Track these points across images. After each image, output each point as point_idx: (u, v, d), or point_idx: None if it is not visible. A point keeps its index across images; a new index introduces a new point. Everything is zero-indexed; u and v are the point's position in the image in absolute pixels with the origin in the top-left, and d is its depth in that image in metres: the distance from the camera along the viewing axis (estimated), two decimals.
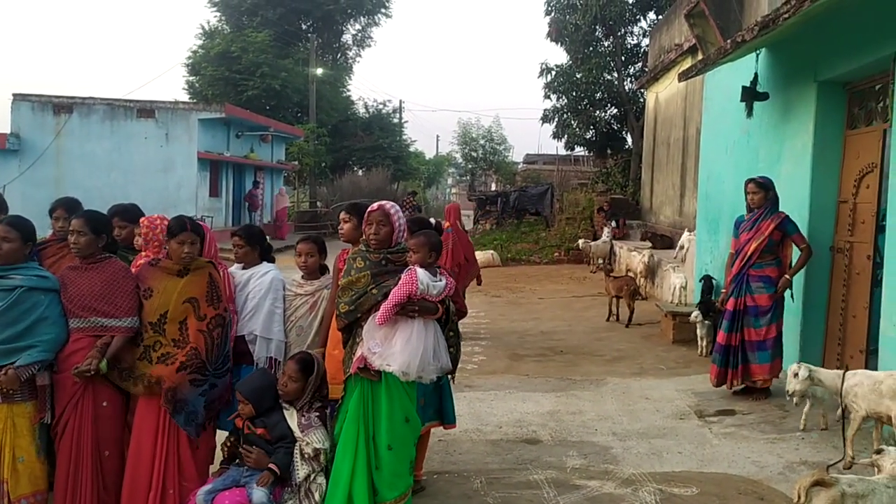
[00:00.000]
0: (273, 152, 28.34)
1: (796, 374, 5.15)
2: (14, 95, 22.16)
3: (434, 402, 4.62)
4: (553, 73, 23.72)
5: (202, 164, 22.54)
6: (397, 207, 4.17)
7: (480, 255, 18.63)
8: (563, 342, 9.50)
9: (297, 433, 3.96)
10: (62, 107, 22.16)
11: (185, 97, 32.91)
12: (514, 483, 4.84)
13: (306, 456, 3.95)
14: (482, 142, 42.12)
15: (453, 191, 65.92)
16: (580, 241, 17.79)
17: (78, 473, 3.96)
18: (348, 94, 39.66)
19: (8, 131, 21.94)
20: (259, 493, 3.79)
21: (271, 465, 3.87)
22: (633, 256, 13.96)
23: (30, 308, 3.91)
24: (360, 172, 38.01)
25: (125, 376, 4.05)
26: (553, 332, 10.19)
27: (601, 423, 6.07)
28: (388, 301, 3.86)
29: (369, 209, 4.13)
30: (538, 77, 24.07)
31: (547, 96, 24.12)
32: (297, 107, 34.54)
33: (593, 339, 9.65)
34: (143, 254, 4.52)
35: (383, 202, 4.18)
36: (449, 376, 4.52)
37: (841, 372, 5.04)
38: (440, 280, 3.99)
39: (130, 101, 22.76)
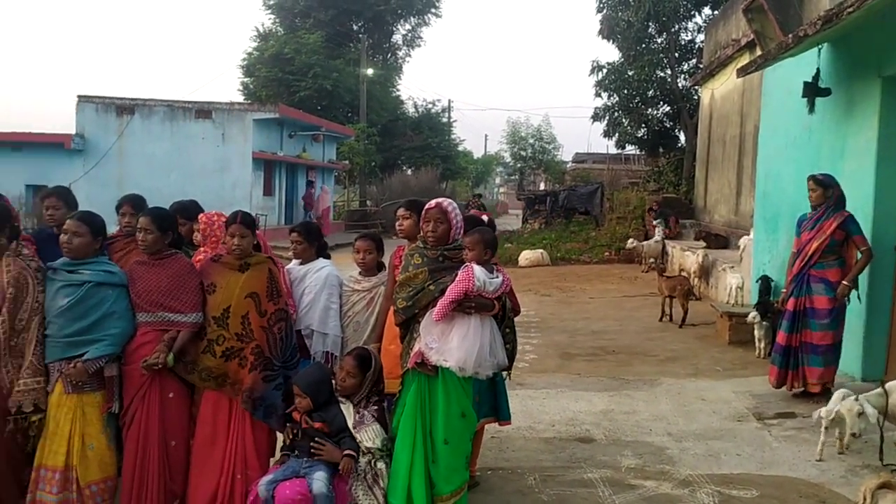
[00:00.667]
0: (324, 152, 28.72)
1: (860, 414, 4.86)
2: (79, 97, 22.93)
3: (489, 398, 4.64)
4: (604, 70, 23.53)
5: (256, 163, 22.99)
6: (455, 205, 4.20)
7: (529, 254, 18.62)
8: (614, 342, 9.42)
9: (351, 430, 4.03)
10: (124, 108, 22.85)
11: (239, 98, 33.58)
12: (569, 481, 4.84)
13: (362, 451, 4.01)
14: (531, 141, 42.03)
15: (501, 190, 65.83)
16: (630, 241, 17.60)
17: (145, 462, 4.07)
18: (398, 93, 39.99)
19: (73, 132, 22.70)
20: (319, 483, 3.85)
21: (348, 452, 3.93)
22: (686, 256, 13.76)
23: (98, 303, 4.03)
24: (408, 171, 38.27)
25: (190, 369, 4.17)
26: (604, 332, 10.11)
27: (656, 424, 6.02)
28: (445, 297, 3.89)
29: (427, 206, 4.16)
30: (589, 75, 23.94)
31: (598, 94, 23.96)
32: (347, 107, 34.93)
33: (645, 339, 9.55)
34: (202, 250, 4.64)
35: (441, 199, 4.20)
36: (504, 373, 4.55)
37: (879, 389, 4.93)
38: (497, 277, 4.00)
39: (189, 102, 23.33)
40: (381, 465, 3.98)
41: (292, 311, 4.52)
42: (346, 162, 31.96)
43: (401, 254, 4.55)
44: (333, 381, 4.21)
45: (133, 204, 4.75)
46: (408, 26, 39.70)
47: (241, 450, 4.14)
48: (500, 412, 4.72)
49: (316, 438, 4.00)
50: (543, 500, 4.55)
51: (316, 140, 27.19)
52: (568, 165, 43.19)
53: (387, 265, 4.84)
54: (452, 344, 3.90)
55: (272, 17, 36.92)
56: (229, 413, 4.16)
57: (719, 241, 14.06)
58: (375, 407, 4.11)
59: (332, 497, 3.85)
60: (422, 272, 4.04)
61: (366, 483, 3.94)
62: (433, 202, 4.16)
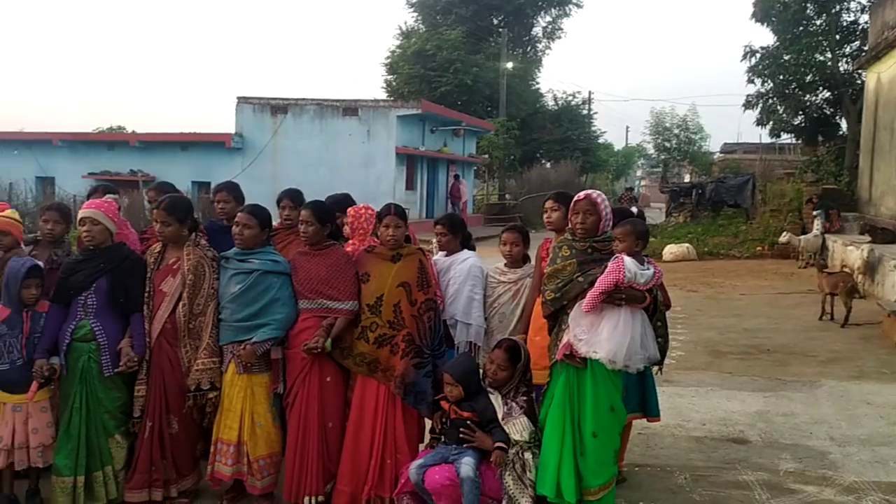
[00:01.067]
0: (464, 146, 29.06)
1: None
2: (238, 99, 24.43)
3: (636, 393, 4.57)
4: (758, 55, 22.35)
5: (399, 158, 23.61)
6: (604, 196, 4.15)
7: (675, 249, 18.02)
8: (769, 340, 8.97)
9: (500, 422, 4.08)
10: (278, 108, 24.12)
11: (383, 95, 34.58)
12: (722, 482, 4.68)
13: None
14: (676, 131, 40.57)
15: (643, 182, 64.07)
16: (785, 235, 16.61)
17: (306, 441, 4.31)
18: (537, 86, 39.78)
19: (233, 131, 24.23)
20: (467, 468, 3.93)
21: (500, 444, 4.00)
22: (849, 251, 12.87)
23: (265, 290, 4.33)
24: (547, 165, 37.99)
25: (345, 354, 4.37)
26: (757, 330, 9.65)
27: (817, 427, 5.70)
28: (594, 289, 3.85)
29: (576, 198, 4.13)
30: (741, 61, 22.82)
31: (750, 81, 22.76)
32: (487, 101, 35.14)
33: (804, 339, 9.03)
34: (350, 241, 4.79)
35: (590, 191, 4.17)
36: (655, 368, 4.46)
37: None
38: (648, 269, 3.92)
39: (337, 100, 24.27)
40: (528, 455, 4.01)
41: (439, 302, 4.63)
42: (486, 156, 32.18)
43: (548, 246, 4.56)
44: (480, 371, 4.29)
45: (292, 198, 5.00)
46: (548, 18, 39.42)
47: (390, 434, 4.29)
48: (648, 408, 4.65)
49: (467, 422, 4.08)
50: (695, 499, 4.43)
51: (456, 135, 27.56)
52: (715, 156, 41.38)
53: (532, 257, 4.87)
54: (602, 335, 3.86)
55: (415, 14, 37.79)
56: (377, 399, 4.32)
57: (886, 235, 13.04)
58: (524, 398, 4.14)
59: (479, 482, 3.92)
60: (570, 264, 4.03)
61: (515, 472, 3.98)
62: (582, 193, 4.13)
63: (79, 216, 4.29)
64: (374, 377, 4.32)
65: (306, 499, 4.27)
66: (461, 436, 4.06)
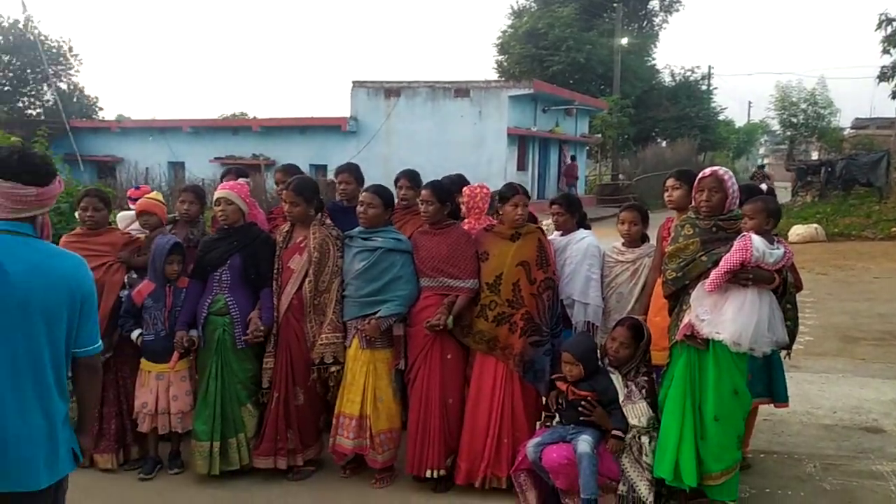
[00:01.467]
0: (577, 125, 28.61)
1: None
2: (353, 83, 25.01)
3: (763, 377, 4.41)
4: (894, 24, 20.77)
5: (511, 139, 23.53)
6: (731, 173, 4.02)
7: (802, 230, 17.15)
8: None
9: (620, 404, 4.03)
10: (391, 91, 24.52)
11: (493, 76, 34.48)
12: (854, 471, 4.48)
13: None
14: (803, 106, 38.32)
15: (766, 160, 61.10)
16: None
17: (427, 417, 4.40)
18: (653, 62, 38.63)
19: (348, 115, 24.84)
20: (584, 445, 3.92)
21: (616, 432, 3.97)
22: None
23: (388, 267, 4.45)
24: (663, 144, 36.85)
25: (466, 332, 4.44)
26: (893, 315, 9.09)
27: None
28: (719, 268, 3.74)
29: (701, 175, 4.01)
30: (875, 30, 21.29)
31: (886, 51, 21.27)
32: (600, 79, 34.42)
33: None
34: (466, 221, 4.84)
35: (716, 168, 4.04)
36: (783, 352, 4.30)
37: None
38: (777, 248, 3.76)
39: (448, 82, 24.40)
40: (644, 439, 3.97)
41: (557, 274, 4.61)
42: (599, 135, 31.57)
43: (670, 225, 4.45)
44: (598, 352, 4.25)
45: (409, 178, 5.09)
46: None
47: (507, 412, 4.33)
48: (776, 393, 4.49)
49: (587, 400, 4.06)
50: (825, 488, 4.26)
51: (569, 114, 27.16)
52: (846, 132, 38.84)
53: (652, 237, 4.77)
54: (726, 316, 3.75)
55: None
56: (495, 377, 4.37)
57: None
58: (645, 378, 4.09)
59: (597, 461, 3.91)
60: (693, 242, 3.92)
61: (632, 455, 3.95)
62: (708, 170, 4.00)
63: (214, 196, 4.56)
64: (493, 355, 4.37)
65: (428, 472, 4.38)
66: (581, 416, 4.05)
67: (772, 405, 4.58)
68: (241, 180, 4.89)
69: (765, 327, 3.74)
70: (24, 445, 2.37)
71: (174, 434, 4.65)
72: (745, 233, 3.78)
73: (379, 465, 4.46)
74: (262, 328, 4.46)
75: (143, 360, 4.59)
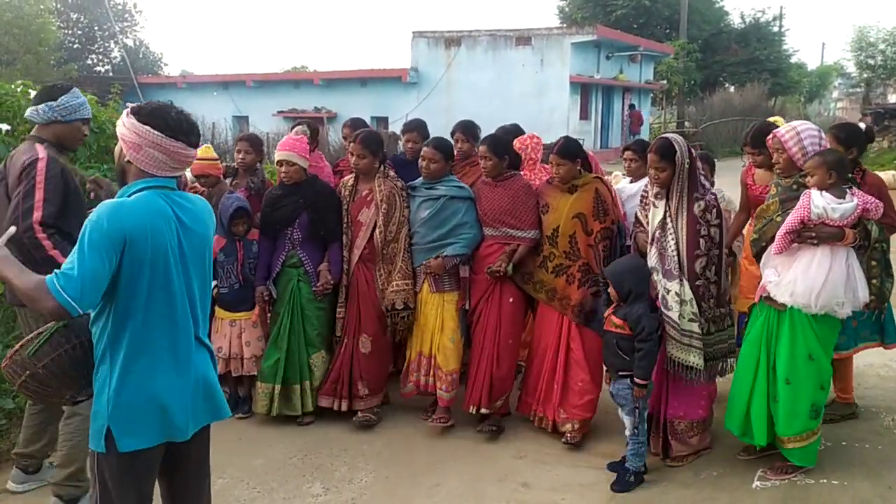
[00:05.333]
0: (641, 72, 27.85)
1: None
2: (413, 33, 24.81)
3: (869, 320, 4.33)
4: None
5: (573, 87, 23.10)
6: (798, 129, 3.90)
7: (883, 176, 16.45)
8: None
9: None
10: (452, 41, 24.25)
11: (555, 22, 33.68)
12: None
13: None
14: (882, 46, 36.44)
15: (839, 105, 58.58)
16: None
17: (482, 356, 4.54)
18: (721, 4, 37.05)
19: (408, 66, 24.71)
20: (621, 391, 3.95)
21: (638, 380, 3.84)
22: None
23: (452, 213, 4.57)
24: (731, 89, 35.60)
25: (526, 279, 4.53)
26: None
27: None
28: (781, 228, 3.66)
29: (768, 138, 3.97)
30: None
31: None
32: (666, 23, 33.33)
33: None
34: (522, 171, 4.83)
35: (777, 129, 3.99)
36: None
37: None
38: (848, 201, 3.59)
39: (510, 30, 23.99)
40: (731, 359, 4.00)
41: (626, 227, 4.55)
42: (664, 82, 30.68)
43: (753, 172, 4.45)
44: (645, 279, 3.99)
45: (464, 131, 5.11)
46: None
47: (563, 359, 4.41)
48: (885, 334, 4.39)
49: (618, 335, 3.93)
50: None
51: (633, 60, 26.43)
52: None
53: (725, 184, 4.73)
54: (792, 278, 3.66)
55: None
56: (554, 323, 4.45)
57: None
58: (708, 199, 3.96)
59: (636, 404, 3.89)
60: (773, 203, 3.87)
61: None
62: (772, 133, 3.93)
63: (276, 158, 4.64)
64: (552, 305, 4.46)
65: (472, 408, 4.56)
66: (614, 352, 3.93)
67: (882, 347, 4.44)
68: (297, 129, 4.98)
69: (839, 287, 3.60)
70: (213, 379, 2.58)
71: (246, 377, 4.87)
72: (806, 190, 3.68)
73: (446, 403, 4.62)
74: (331, 281, 4.61)
75: (217, 309, 4.77)
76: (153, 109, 2.39)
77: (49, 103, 3.45)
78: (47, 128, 3.49)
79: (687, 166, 3.91)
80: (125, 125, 2.38)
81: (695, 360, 3.88)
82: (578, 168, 4.41)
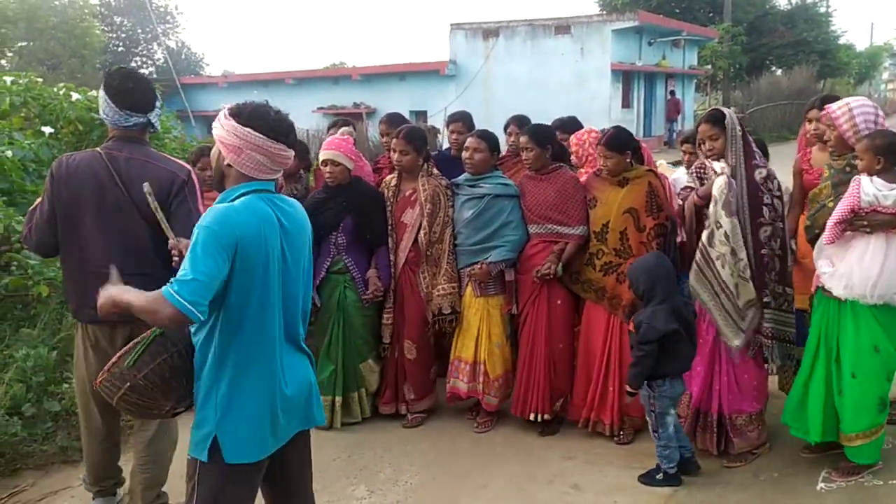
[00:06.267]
0: (684, 57, 27.28)
1: None
2: (451, 25, 24.65)
3: None
4: None
5: (615, 75, 22.69)
6: (852, 105, 3.69)
7: None
8: None
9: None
10: (490, 32, 24.02)
11: (595, 8, 33.20)
12: None
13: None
14: None
15: (890, 86, 56.82)
16: None
17: (534, 360, 4.40)
18: None
19: (447, 59, 24.58)
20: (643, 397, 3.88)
21: (629, 388, 3.79)
22: None
23: (497, 213, 4.40)
24: (778, 72, 34.69)
25: (574, 279, 4.36)
26: None
27: None
28: (831, 217, 3.50)
29: (824, 111, 3.78)
30: None
31: None
32: (709, 6, 32.62)
33: None
34: (581, 171, 4.60)
35: (830, 105, 3.77)
36: None
37: None
38: None
39: (549, 19, 23.66)
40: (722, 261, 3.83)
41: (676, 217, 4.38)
42: (708, 67, 30.03)
43: (809, 157, 4.21)
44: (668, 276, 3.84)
45: (519, 123, 4.96)
46: None
47: (615, 360, 4.23)
48: None
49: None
50: None
51: (676, 46, 25.88)
52: None
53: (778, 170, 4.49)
54: (847, 269, 3.51)
55: None
56: (603, 324, 4.27)
57: None
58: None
59: (655, 405, 3.79)
60: (826, 186, 3.70)
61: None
62: (824, 108, 3.73)
63: (321, 157, 4.49)
64: (601, 305, 4.27)
65: (532, 415, 4.40)
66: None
67: None
68: (343, 131, 4.84)
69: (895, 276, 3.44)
70: (315, 384, 2.58)
71: None
72: (856, 176, 3.50)
73: (494, 407, 4.52)
74: (381, 287, 4.49)
75: None
76: (253, 110, 2.33)
77: None
78: None
79: (739, 132, 3.85)
80: (224, 128, 2.32)
81: (730, 335, 3.85)
82: (629, 160, 4.20)
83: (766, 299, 3.87)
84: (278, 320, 2.37)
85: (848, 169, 3.64)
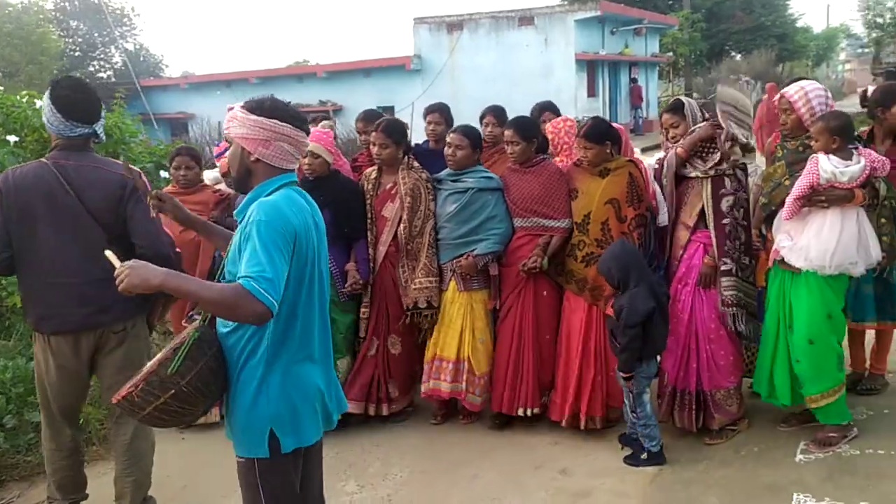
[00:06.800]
0: (647, 45, 27.55)
1: None
2: (415, 20, 24.60)
3: None
4: None
5: (579, 65, 22.86)
6: (808, 87, 3.85)
7: None
8: None
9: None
10: (454, 25, 24.04)
11: (557, 0, 33.32)
12: None
13: None
14: (891, 4, 35.89)
15: (847, 66, 57.88)
16: None
17: (521, 354, 4.38)
18: None
19: (411, 53, 24.54)
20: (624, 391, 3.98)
21: (620, 372, 3.88)
22: None
23: (481, 207, 4.38)
24: (738, 57, 35.18)
25: (559, 271, 4.37)
26: None
27: None
28: (791, 194, 3.64)
29: (779, 95, 3.90)
30: None
31: None
32: None
33: None
34: (558, 159, 4.60)
35: (788, 88, 3.91)
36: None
37: None
38: (855, 163, 3.58)
39: (512, 11, 23.73)
40: None
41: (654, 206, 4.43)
42: (670, 54, 30.34)
43: (777, 142, 4.31)
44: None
45: (496, 114, 4.94)
46: None
47: (598, 352, 4.25)
48: None
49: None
50: None
51: (638, 34, 26.13)
52: None
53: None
54: (805, 242, 3.67)
55: None
56: (585, 315, 4.27)
57: None
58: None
59: (634, 395, 3.90)
60: (780, 166, 3.86)
61: None
62: (780, 93, 3.87)
63: None
64: (583, 296, 4.27)
65: (520, 410, 4.38)
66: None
67: None
68: (323, 124, 4.82)
69: (851, 248, 3.62)
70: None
71: None
72: (813, 155, 3.65)
73: (478, 407, 4.49)
74: (360, 280, 4.45)
75: None
76: (272, 102, 2.35)
77: None
78: None
79: (699, 117, 4.08)
80: (246, 124, 2.31)
81: None
82: (609, 151, 4.23)
83: (724, 267, 4.00)
84: (318, 312, 2.41)
85: (801, 149, 3.80)
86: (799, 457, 3.79)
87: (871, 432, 3.87)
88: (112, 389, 3.26)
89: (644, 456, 3.92)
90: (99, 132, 3.27)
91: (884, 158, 3.69)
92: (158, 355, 2.28)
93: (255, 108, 2.33)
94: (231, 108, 2.36)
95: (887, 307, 4.24)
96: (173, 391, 2.19)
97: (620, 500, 3.67)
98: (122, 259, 2.19)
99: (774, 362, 3.90)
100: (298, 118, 2.37)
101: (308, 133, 2.44)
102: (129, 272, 2.10)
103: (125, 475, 3.40)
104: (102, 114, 3.30)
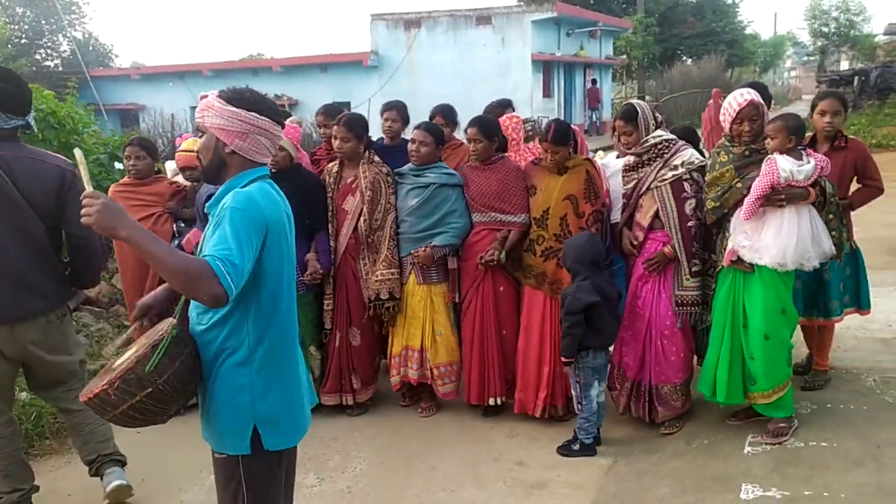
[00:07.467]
0: (601, 48, 27.91)
1: None
2: (372, 16, 24.48)
3: (850, 288, 4.46)
4: None
5: (535, 65, 23.03)
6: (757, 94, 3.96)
7: None
8: None
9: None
10: (412, 22, 23.98)
11: (514, 1, 33.52)
12: None
13: None
14: (835, 14, 37.05)
15: (793, 73, 59.50)
16: None
17: (485, 346, 4.49)
18: None
19: (369, 50, 24.42)
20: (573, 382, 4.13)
21: (565, 360, 4.08)
22: None
23: (441, 202, 4.45)
24: (689, 62, 35.90)
25: (516, 266, 4.47)
26: None
27: None
28: (750, 195, 3.73)
29: (739, 106, 3.90)
30: None
31: None
32: None
33: None
34: (507, 154, 4.74)
35: (750, 95, 3.93)
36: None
37: None
38: (807, 163, 3.72)
39: (469, 10, 23.78)
40: None
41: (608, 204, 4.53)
42: (624, 56, 30.80)
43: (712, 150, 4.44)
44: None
45: (444, 114, 5.01)
46: None
47: (557, 344, 4.31)
48: (861, 301, 4.51)
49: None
50: (888, 402, 4.24)
51: (593, 36, 26.46)
52: (879, 38, 37.56)
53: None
54: (766, 240, 3.76)
55: None
56: (543, 310, 4.38)
57: None
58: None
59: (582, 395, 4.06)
60: (728, 170, 3.92)
61: None
62: (743, 100, 3.85)
63: None
64: (541, 290, 4.38)
65: (491, 400, 4.50)
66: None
67: (857, 314, 4.60)
68: (291, 121, 4.82)
69: (808, 243, 3.73)
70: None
71: None
72: (770, 155, 3.75)
73: (441, 395, 4.59)
74: (320, 270, 4.47)
75: None
76: (252, 95, 2.30)
77: None
78: None
79: (652, 124, 4.18)
80: (224, 115, 2.24)
81: None
82: (569, 150, 4.37)
83: (695, 269, 4.14)
84: (295, 306, 2.39)
85: (747, 153, 3.89)
86: (747, 449, 3.90)
87: (815, 425, 4.01)
88: (43, 375, 3.40)
89: (576, 447, 4.11)
90: (31, 123, 3.30)
91: (826, 159, 3.85)
92: (134, 352, 2.20)
93: (233, 98, 2.26)
94: (205, 97, 2.32)
95: (819, 303, 4.39)
96: (150, 389, 2.12)
97: (576, 492, 3.75)
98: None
99: (719, 362, 3.98)
100: (277, 112, 2.33)
101: (283, 127, 2.41)
102: (101, 208, 1.97)
103: (86, 440, 3.52)
104: (33, 105, 3.31)
